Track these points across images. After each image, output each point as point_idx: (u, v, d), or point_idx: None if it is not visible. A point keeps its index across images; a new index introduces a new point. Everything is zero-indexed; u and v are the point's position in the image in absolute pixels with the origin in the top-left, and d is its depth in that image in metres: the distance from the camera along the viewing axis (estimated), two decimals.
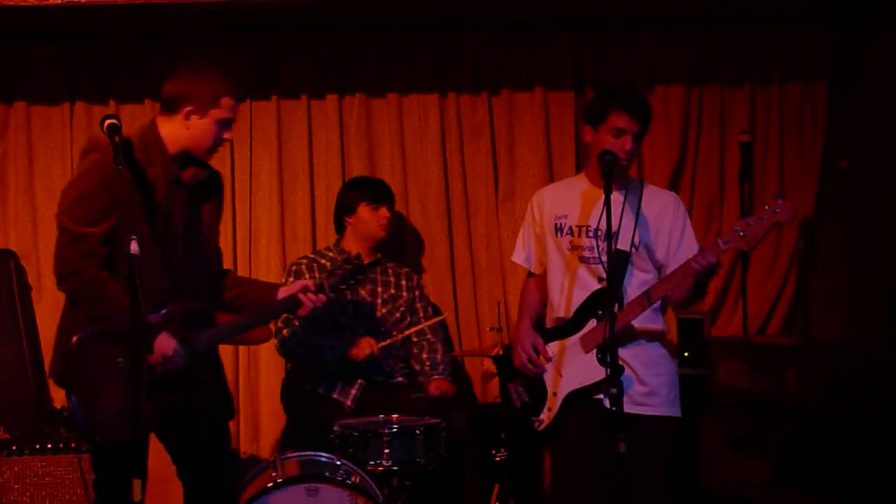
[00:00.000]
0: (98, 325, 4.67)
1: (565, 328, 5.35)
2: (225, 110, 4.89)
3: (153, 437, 5.01)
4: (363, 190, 6.74)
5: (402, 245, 7.38)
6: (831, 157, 7.42)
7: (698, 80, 7.46)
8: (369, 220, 6.66)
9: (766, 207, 4.94)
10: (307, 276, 6.56)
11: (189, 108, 4.85)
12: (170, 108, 4.90)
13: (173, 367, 4.77)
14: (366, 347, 6.42)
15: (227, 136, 4.95)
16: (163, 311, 4.79)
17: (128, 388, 4.39)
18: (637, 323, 5.23)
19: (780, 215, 4.93)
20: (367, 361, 6.46)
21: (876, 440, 5.38)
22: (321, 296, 5.25)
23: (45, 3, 6.49)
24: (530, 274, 5.67)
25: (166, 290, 4.85)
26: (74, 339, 4.66)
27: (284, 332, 6.53)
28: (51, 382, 6.93)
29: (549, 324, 5.51)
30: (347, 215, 6.74)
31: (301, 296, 5.19)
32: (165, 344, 4.76)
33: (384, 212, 6.67)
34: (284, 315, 6.29)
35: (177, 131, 4.88)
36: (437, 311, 7.12)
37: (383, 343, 6.49)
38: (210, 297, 5.13)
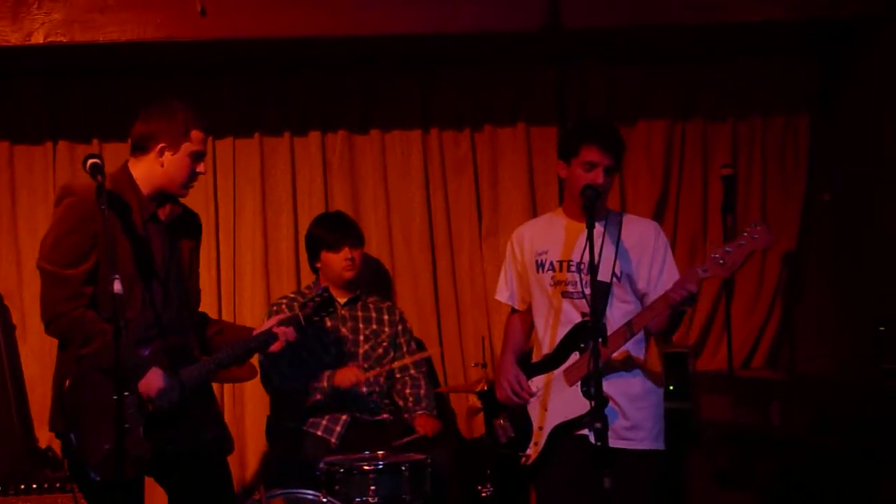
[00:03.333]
0: (87, 364, 4.66)
1: (548, 362, 5.36)
2: (196, 143, 4.96)
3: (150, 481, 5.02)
4: (321, 233, 6.74)
5: (385, 281, 7.38)
6: (815, 188, 7.44)
7: (681, 114, 7.48)
8: (332, 263, 6.66)
9: (745, 234, 4.97)
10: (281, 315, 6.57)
11: (162, 145, 4.92)
12: (141, 148, 4.96)
13: (167, 402, 4.78)
14: (351, 376, 6.42)
15: (200, 168, 5.02)
16: (148, 348, 4.80)
17: (125, 427, 4.45)
18: (620, 355, 5.24)
19: (758, 241, 4.95)
20: (352, 393, 6.45)
21: (860, 472, 5.38)
22: (290, 328, 5.26)
23: (27, 42, 6.49)
24: (513, 310, 5.68)
25: (150, 326, 4.87)
26: (67, 382, 4.66)
27: (269, 369, 6.51)
28: (36, 424, 6.99)
29: (535, 359, 5.51)
30: (314, 261, 6.76)
31: (275, 329, 5.21)
32: (158, 380, 4.77)
33: (346, 252, 6.65)
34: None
35: (151, 170, 4.93)
36: (421, 347, 7.13)
37: (370, 373, 6.49)
38: (193, 334, 5.16)
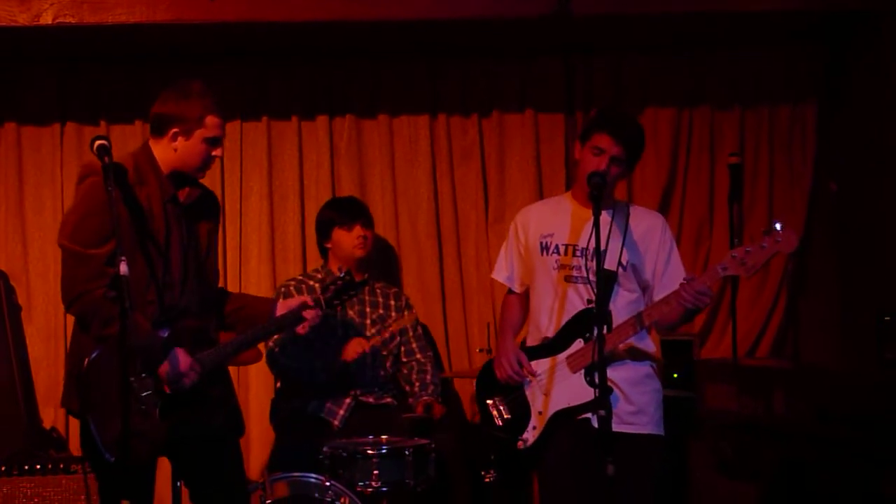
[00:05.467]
0: (109, 345, 4.64)
1: (550, 347, 5.33)
2: (210, 129, 4.91)
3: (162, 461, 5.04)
4: (334, 213, 6.76)
5: (392, 266, 7.39)
6: (821, 178, 7.44)
7: (688, 102, 7.48)
8: (344, 241, 6.67)
9: (768, 236, 4.91)
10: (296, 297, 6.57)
11: (175, 130, 4.88)
12: (157, 130, 4.94)
13: (190, 383, 4.79)
14: (356, 347, 6.43)
15: (216, 153, 4.97)
16: (168, 329, 4.81)
17: (139, 408, 4.54)
18: (624, 342, 5.23)
19: (782, 245, 4.90)
20: (358, 365, 6.48)
21: (863, 463, 5.38)
22: (318, 310, 5.27)
23: (36, 23, 6.49)
24: (510, 291, 5.67)
25: (169, 309, 4.87)
26: (85, 361, 4.64)
27: (276, 349, 6.53)
28: (41, 404, 7.00)
29: (532, 342, 5.48)
30: (325, 241, 6.77)
31: (304, 313, 5.21)
32: (182, 360, 4.78)
33: (358, 230, 6.67)
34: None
35: (166, 153, 4.90)
36: (427, 332, 7.15)
37: (373, 340, 6.50)
38: (211, 315, 5.17)
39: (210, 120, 4.91)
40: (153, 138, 4.96)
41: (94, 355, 4.65)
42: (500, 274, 5.64)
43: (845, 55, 7.27)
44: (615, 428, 4.86)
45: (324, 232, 6.77)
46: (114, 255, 4.58)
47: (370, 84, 7.44)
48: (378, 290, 6.85)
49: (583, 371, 5.16)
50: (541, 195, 7.33)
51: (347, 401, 6.50)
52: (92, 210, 4.70)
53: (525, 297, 5.59)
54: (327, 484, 5.63)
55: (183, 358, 4.79)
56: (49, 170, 7.25)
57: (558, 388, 5.28)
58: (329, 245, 6.75)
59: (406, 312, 6.83)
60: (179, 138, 4.89)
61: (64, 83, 7.28)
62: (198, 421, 4.89)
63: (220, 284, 7.00)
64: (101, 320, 4.68)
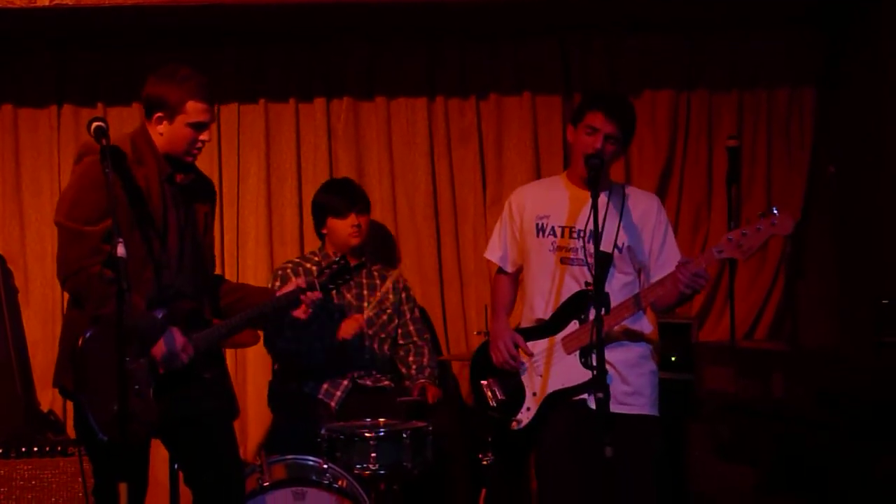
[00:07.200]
0: (104, 324, 4.63)
1: (545, 328, 5.34)
2: (192, 114, 4.89)
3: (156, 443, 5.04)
4: (327, 202, 6.74)
5: (389, 249, 7.38)
6: (819, 162, 7.43)
7: (686, 84, 7.46)
8: (339, 230, 6.66)
9: (764, 219, 4.91)
10: (293, 279, 6.55)
11: (159, 115, 4.90)
12: (146, 113, 4.96)
13: (180, 363, 4.79)
14: (353, 323, 6.44)
15: (203, 137, 4.96)
16: (164, 310, 4.80)
17: (133, 389, 4.54)
18: (620, 324, 5.22)
19: (777, 227, 4.91)
20: (356, 345, 6.50)
21: (861, 446, 5.38)
22: (317, 292, 5.27)
23: (33, 4, 6.47)
24: (500, 271, 5.66)
25: (164, 289, 4.86)
26: (80, 341, 4.64)
27: (273, 333, 6.52)
28: (38, 387, 7.00)
29: (525, 324, 5.49)
30: (321, 227, 6.77)
31: (302, 297, 5.21)
32: (177, 340, 4.78)
33: (352, 219, 6.65)
34: None
35: (155, 136, 4.92)
36: (424, 315, 7.14)
37: (369, 313, 6.52)
38: (206, 298, 5.15)
39: (192, 105, 4.89)
40: (146, 121, 4.97)
41: (87, 334, 4.65)
42: (494, 254, 5.63)
43: (844, 37, 7.24)
44: (611, 408, 4.87)
45: (318, 219, 6.77)
46: (110, 232, 4.58)
47: (368, 66, 7.41)
48: (375, 273, 6.84)
49: (578, 352, 5.16)
50: (538, 177, 7.29)
51: (345, 383, 6.51)
52: (88, 188, 4.71)
53: (516, 277, 5.59)
54: (325, 466, 5.65)
55: (178, 337, 4.79)
56: (46, 152, 7.23)
57: (553, 369, 5.29)
58: (325, 231, 6.75)
59: (414, 318, 6.92)
60: (164, 122, 4.90)
61: (61, 65, 7.26)
62: (192, 402, 4.89)
63: (218, 267, 7.05)
64: (97, 298, 4.67)
